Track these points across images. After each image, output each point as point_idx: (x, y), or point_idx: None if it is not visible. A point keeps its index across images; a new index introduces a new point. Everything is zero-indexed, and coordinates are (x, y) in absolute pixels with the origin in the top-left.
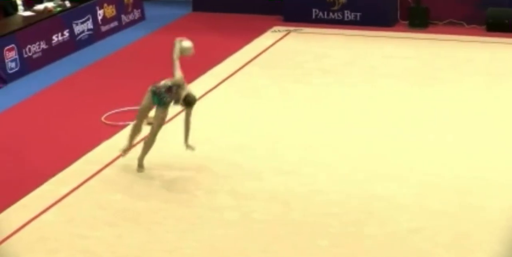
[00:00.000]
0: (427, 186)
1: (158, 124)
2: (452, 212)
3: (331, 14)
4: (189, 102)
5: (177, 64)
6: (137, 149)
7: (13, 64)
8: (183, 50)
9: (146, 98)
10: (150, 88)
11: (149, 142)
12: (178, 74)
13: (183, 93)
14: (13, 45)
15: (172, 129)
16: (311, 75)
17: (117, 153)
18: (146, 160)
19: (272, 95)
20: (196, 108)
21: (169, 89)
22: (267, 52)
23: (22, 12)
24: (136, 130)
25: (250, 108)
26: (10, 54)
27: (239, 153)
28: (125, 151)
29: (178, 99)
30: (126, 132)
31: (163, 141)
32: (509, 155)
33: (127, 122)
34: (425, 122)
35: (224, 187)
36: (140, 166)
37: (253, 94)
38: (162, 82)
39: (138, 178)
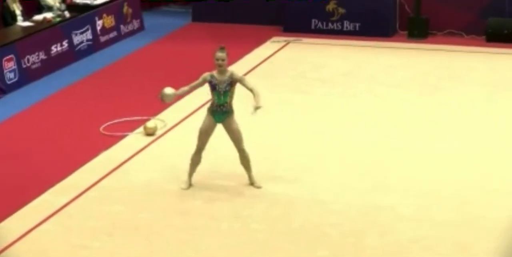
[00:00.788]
0: (429, 196)
1: (241, 137)
2: (453, 222)
3: (330, 24)
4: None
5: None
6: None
7: (12, 75)
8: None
9: (206, 120)
10: (207, 109)
11: (246, 158)
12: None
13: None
14: (12, 55)
15: (169, 140)
16: (311, 85)
17: (115, 164)
18: (144, 172)
19: (272, 105)
20: (197, 117)
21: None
22: (266, 62)
23: (21, 22)
24: (197, 160)
25: (250, 118)
26: (9, 65)
27: (237, 164)
28: (187, 183)
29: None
30: (125, 142)
31: (161, 151)
32: (507, 164)
33: (125, 133)
34: (426, 132)
35: (223, 197)
36: (253, 182)
37: (252, 103)
38: (165, 92)
39: (136, 189)
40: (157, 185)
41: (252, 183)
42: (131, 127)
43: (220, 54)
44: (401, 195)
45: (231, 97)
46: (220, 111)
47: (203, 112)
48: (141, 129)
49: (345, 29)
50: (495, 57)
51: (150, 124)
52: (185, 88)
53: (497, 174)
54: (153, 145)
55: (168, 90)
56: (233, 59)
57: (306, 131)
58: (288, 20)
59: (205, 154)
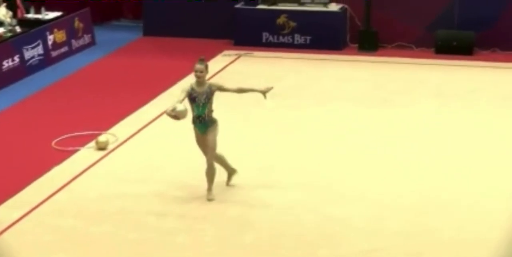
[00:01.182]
0: (382, 207)
1: (214, 148)
2: (406, 233)
3: (281, 37)
4: None
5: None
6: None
7: None
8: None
9: (194, 132)
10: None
11: (212, 170)
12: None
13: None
14: None
15: (121, 154)
16: (262, 99)
17: (68, 178)
18: (97, 186)
19: (224, 119)
20: (147, 132)
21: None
22: (217, 76)
23: None
24: (213, 170)
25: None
26: None
27: (190, 176)
28: (210, 193)
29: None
30: (77, 157)
31: (112, 165)
32: (461, 175)
33: (77, 147)
34: (378, 144)
35: (176, 211)
36: (209, 194)
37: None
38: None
39: (89, 203)
40: (109, 199)
41: (208, 194)
42: (83, 141)
43: (198, 66)
44: (355, 207)
45: (210, 109)
46: (200, 123)
47: (154, 126)
48: (93, 143)
49: (296, 42)
50: (445, 68)
51: (102, 138)
52: (176, 104)
53: (450, 185)
54: (104, 160)
55: (181, 106)
56: (184, 73)
57: (258, 144)
58: (238, 34)
59: (155, 169)
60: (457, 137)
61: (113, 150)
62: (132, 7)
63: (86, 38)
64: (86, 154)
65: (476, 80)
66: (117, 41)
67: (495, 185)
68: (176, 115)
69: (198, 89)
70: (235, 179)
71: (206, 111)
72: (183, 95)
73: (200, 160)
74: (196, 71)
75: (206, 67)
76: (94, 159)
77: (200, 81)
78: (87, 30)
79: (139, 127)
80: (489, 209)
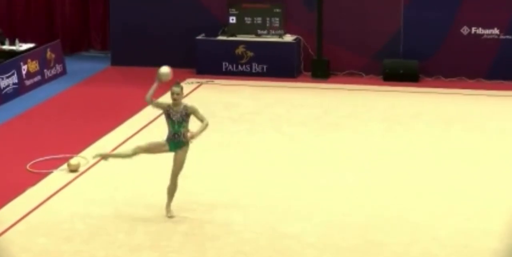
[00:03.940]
0: (333, 224)
1: (179, 168)
2: (357, 248)
3: (239, 66)
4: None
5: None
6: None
7: None
8: (160, 76)
9: (157, 145)
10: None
11: (174, 188)
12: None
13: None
14: None
15: (91, 176)
16: (222, 123)
17: (41, 199)
18: (69, 206)
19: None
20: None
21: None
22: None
23: None
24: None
25: (164, 155)
26: None
27: (157, 196)
28: (169, 210)
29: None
30: (50, 179)
31: (83, 187)
32: (405, 193)
33: (50, 170)
34: (328, 166)
35: (142, 229)
36: (169, 211)
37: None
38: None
39: (61, 222)
40: (80, 219)
41: (167, 211)
42: (56, 164)
43: (175, 89)
44: (307, 224)
45: (186, 128)
46: (174, 140)
47: (122, 150)
48: (65, 166)
49: (253, 71)
50: (392, 94)
51: (74, 161)
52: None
53: (395, 202)
54: (76, 181)
55: (165, 69)
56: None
57: (217, 166)
58: (200, 63)
59: (120, 189)
60: (400, 158)
61: (84, 172)
62: (100, 39)
63: (58, 68)
64: (58, 176)
65: (420, 105)
66: (86, 70)
67: (437, 204)
68: (159, 77)
69: (174, 108)
70: (199, 198)
71: (182, 130)
72: (160, 100)
73: (164, 183)
74: (172, 94)
75: (182, 89)
76: (66, 180)
77: (176, 102)
78: (59, 60)
79: (108, 150)
80: (433, 224)
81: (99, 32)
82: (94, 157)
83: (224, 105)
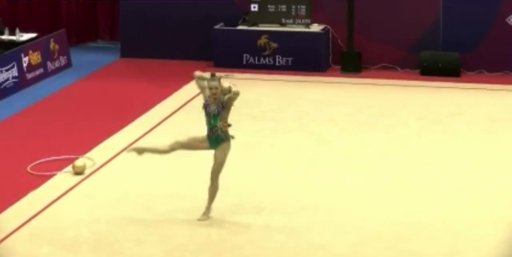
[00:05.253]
0: (364, 234)
1: (220, 164)
2: None
3: (262, 59)
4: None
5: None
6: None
7: None
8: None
9: (196, 141)
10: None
11: (214, 189)
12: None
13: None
14: None
15: (98, 179)
16: (242, 122)
17: (44, 204)
18: (74, 212)
19: None
20: (124, 158)
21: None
22: (197, 98)
23: None
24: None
25: (183, 156)
26: None
27: (168, 204)
28: (205, 213)
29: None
30: (53, 182)
31: (90, 191)
32: (444, 201)
33: (53, 172)
34: (358, 168)
35: (154, 237)
36: (204, 213)
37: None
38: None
39: (66, 229)
40: (86, 225)
41: (203, 214)
42: (59, 166)
43: (212, 83)
44: (338, 234)
45: (223, 121)
46: (212, 136)
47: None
48: (69, 168)
49: (277, 64)
50: (430, 90)
51: (79, 162)
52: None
53: (431, 210)
54: (82, 184)
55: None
56: (164, 95)
57: (239, 169)
58: (218, 55)
59: (131, 195)
60: (438, 162)
61: (90, 174)
62: (109, 28)
63: (62, 60)
64: (62, 179)
65: (461, 103)
66: (93, 63)
67: (479, 212)
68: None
69: (212, 100)
70: (218, 203)
71: (218, 124)
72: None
73: (178, 185)
74: (210, 88)
75: (219, 81)
76: (71, 183)
77: (215, 97)
78: (63, 51)
79: (117, 151)
80: (473, 234)
81: (108, 21)
82: (128, 151)
83: (244, 102)
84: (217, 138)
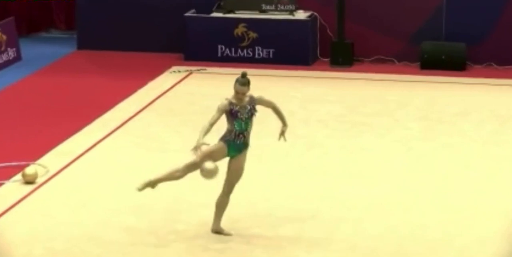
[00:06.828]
0: (359, 250)
1: (240, 176)
2: None
3: (239, 51)
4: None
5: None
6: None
7: None
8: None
9: (219, 149)
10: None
11: (225, 201)
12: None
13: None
14: None
15: (52, 188)
16: (218, 122)
17: None
18: (24, 226)
19: (173, 147)
20: (83, 162)
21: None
22: (165, 96)
23: None
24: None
25: (148, 162)
26: None
27: (136, 217)
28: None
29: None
30: (1, 192)
31: (43, 201)
32: (448, 213)
33: (1, 181)
34: (354, 177)
35: (115, 255)
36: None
37: (151, 145)
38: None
39: (15, 246)
40: (38, 241)
41: (217, 230)
42: (7, 174)
43: (240, 88)
44: (326, 251)
45: (251, 127)
46: (237, 141)
47: (90, 156)
48: (19, 176)
49: (257, 56)
50: (432, 86)
51: (30, 170)
52: (207, 127)
53: (436, 223)
54: (33, 195)
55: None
56: (126, 93)
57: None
58: (190, 47)
59: (91, 206)
60: (443, 167)
61: (43, 184)
62: (64, 16)
63: (10, 53)
64: (11, 188)
65: (467, 101)
66: (47, 56)
67: (488, 226)
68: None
69: (238, 103)
70: (182, 218)
71: (249, 128)
72: (216, 116)
73: (143, 196)
74: (237, 93)
75: (249, 85)
76: (21, 194)
77: (241, 101)
78: (11, 43)
79: (73, 157)
80: (480, 251)
81: (63, 9)
82: (140, 189)
83: (219, 100)
84: (241, 144)
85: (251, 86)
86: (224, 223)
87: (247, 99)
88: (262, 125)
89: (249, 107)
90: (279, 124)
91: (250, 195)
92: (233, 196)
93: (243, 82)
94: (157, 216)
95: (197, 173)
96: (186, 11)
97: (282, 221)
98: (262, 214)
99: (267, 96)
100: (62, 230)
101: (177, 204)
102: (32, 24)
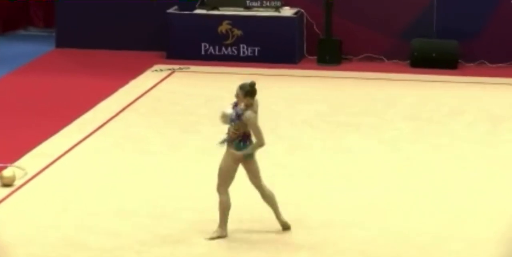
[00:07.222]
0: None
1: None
2: None
3: (224, 49)
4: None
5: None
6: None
7: None
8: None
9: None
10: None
11: (271, 196)
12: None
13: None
14: None
15: (31, 191)
16: (201, 123)
17: None
18: (2, 230)
19: (155, 148)
20: (63, 164)
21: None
22: (147, 95)
23: None
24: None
25: (130, 164)
26: None
27: (117, 222)
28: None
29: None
30: None
31: (21, 205)
32: (440, 216)
33: None
34: (340, 179)
35: None
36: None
37: (133, 147)
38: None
39: None
40: (17, 245)
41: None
42: None
43: (237, 90)
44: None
45: (235, 131)
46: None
47: (70, 158)
48: None
49: (242, 54)
50: (423, 85)
51: (7, 173)
52: None
53: (428, 228)
54: (11, 198)
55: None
56: (107, 92)
57: (198, 178)
58: (172, 45)
59: (72, 210)
60: (434, 169)
61: (21, 186)
62: (42, 13)
63: None
64: None
65: (460, 100)
66: (24, 54)
67: (480, 230)
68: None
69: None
70: (167, 224)
71: (230, 129)
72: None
73: (123, 200)
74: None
75: (241, 91)
76: None
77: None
78: None
79: (52, 158)
80: (472, 255)
81: (41, 6)
82: (210, 239)
83: (203, 100)
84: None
85: (235, 87)
86: (207, 227)
87: (242, 106)
88: None
89: (237, 111)
90: (261, 122)
91: (234, 199)
92: (214, 201)
93: (241, 87)
94: (140, 220)
95: (179, 177)
96: (169, 7)
97: (267, 225)
98: (246, 219)
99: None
100: (41, 235)
101: (161, 208)
102: (9, 22)
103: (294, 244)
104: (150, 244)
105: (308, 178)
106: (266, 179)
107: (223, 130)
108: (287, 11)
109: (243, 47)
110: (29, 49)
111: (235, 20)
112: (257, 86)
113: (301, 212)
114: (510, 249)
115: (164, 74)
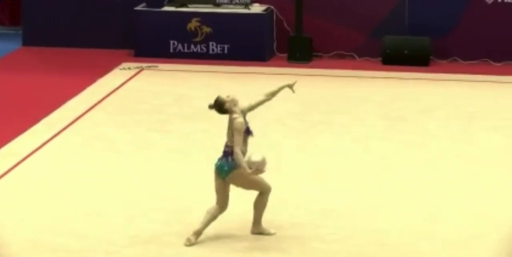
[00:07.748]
0: None
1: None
2: None
3: (192, 46)
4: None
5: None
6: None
7: None
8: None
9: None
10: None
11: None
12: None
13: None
14: None
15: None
16: (170, 122)
17: None
18: None
19: (124, 147)
20: (25, 169)
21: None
22: (115, 94)
23: None
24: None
25: (99, 163)
26: None
27: (86, 222)
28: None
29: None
30: None
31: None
32: (412, 215)
33: None
34: (313, 179)
35: None
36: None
37: (101, 146)
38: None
39: None
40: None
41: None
42: None
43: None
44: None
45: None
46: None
47: (34, 160)
48: None
49: (211, 52)
50: (395, 82)
51: None
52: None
53: (401, 228)
54: None
55: (258, 156)
56: (74, 91)
57: (168, 178)
58: (140, 43)
59: (40, 213)
60: (407, 167)
61: None
62: (9, 11)
63: None
64: None
65: (432, 97)
66: None
67: (451, 229)
68: (257, 169)
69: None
70: (137, 225)
71: (228, 143)
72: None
73: (93, 202)
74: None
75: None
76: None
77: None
78: None
79: (19, 158)
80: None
81: (7, 3)
82: (188, 244)
83: (172, 98)
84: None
85: (205, 85)
86: (178, 227)
87: (233, 115)
88: (213, 123)
89: (229, 121)
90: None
91: (204, 200)
92: (184, 200)
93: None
94: (110, 220)
95: (148, 177)
96: (136, 5)
97: (238, 228)
98: (218, 220)
99: (225, 92)
100: (6, 236)
101: (131, 208)
102: None
103: (264, 244)
104: (120, 244)
105: (280, 178)
106: None
107: (194, 129)
108: (256, 8)
109: (212, 45)
110: None
111: (204, 17)
112: (226, 84)
113: (272, 212)
114: (510, 249)
115: (132, 72)
